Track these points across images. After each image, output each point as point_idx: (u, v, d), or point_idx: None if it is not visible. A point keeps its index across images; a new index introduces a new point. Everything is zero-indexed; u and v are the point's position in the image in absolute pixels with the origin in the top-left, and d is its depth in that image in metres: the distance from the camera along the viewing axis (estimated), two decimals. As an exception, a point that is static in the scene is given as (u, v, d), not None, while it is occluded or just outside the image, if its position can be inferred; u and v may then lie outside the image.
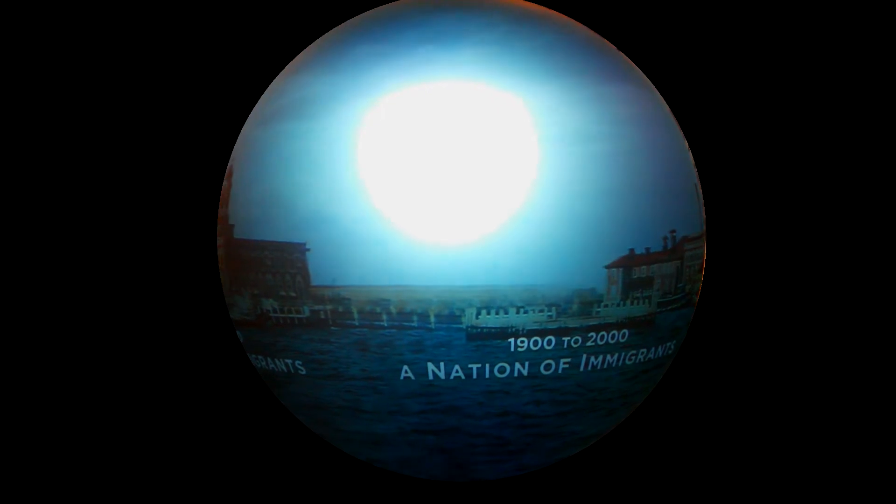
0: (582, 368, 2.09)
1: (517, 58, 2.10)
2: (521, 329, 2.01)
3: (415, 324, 2.01)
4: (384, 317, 2.03)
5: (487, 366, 2.03)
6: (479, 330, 2.00)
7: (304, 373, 2.17)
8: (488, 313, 2.00)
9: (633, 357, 2.15)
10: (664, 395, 2.49)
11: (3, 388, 2.72)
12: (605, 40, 2.36)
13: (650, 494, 2.57)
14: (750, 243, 2.72)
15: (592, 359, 2.08)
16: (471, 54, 2.08)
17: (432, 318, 2.01)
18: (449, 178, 1.99)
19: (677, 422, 2.71)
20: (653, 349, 2.20)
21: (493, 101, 2.04)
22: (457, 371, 2.03)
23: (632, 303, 2.10)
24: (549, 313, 2.02)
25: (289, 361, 2.18)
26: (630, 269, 2.09)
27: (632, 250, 2.08)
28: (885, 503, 2.48)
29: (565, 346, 2.05)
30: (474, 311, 2.00)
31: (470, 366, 2.03)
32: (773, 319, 2.75)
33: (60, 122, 2.82)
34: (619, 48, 2.35)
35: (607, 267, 2.05)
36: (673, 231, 2.17)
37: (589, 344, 2.07)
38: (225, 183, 2.36)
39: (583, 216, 2.02)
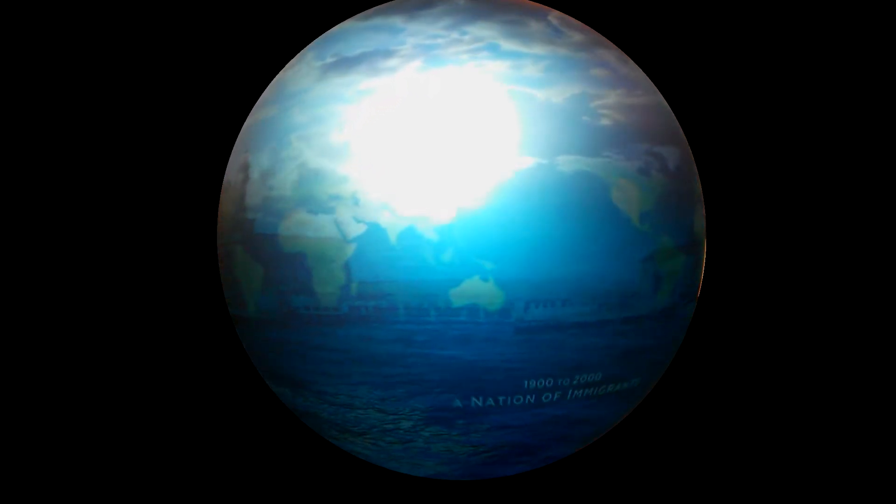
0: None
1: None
2: (565, 322, 2.05)
3: (463, 318, 2.01)
4: (432, 312, 2.01)
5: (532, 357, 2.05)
6: (526, 324, 2.02)
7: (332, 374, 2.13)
8: (536, 307, 2.02)
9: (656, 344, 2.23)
10: (664, 394, 2.51)
11: (3, 388, 2.64)
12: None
13: (651, 494, 2.59)
14: (749, 243, 2.78)
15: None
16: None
17: (482, 313, 2.01)
18: (495, 175, 2.00)
19: (677, 421, 2.72)
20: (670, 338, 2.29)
21: (537, 99, 2.07)
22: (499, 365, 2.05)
23: (660, 296, 2.18)
24: (592, 306, 2.07)
25: (318, 363, 2.14)
26: (662, 262, 2.16)
27: (663, 244, 2.15)
28: (885, 503, 2.50)
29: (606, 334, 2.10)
30: (523, 305, 2.02)
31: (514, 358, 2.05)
32: (771, 318, 2.79)
33: (59, 120, 2.71)
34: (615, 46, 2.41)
35: (643, 261, 2.12)
36: (692, 224, 2.26)
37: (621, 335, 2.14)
38: (238, 175, 2.27)
39: (623, 212, 2.08)
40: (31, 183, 2.65)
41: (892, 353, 2.66)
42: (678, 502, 2.57)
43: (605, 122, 2.10)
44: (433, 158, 2.01)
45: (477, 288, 1.99)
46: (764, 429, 2.70)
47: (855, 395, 2.68)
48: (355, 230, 2.03)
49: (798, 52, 2.66)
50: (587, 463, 2.53)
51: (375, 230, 2.01)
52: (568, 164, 2.03)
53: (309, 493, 2.60)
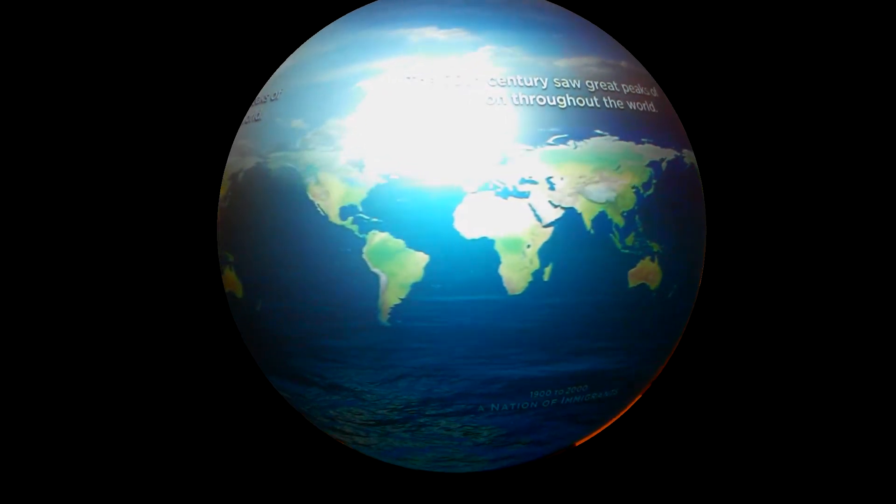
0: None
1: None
2: (684, 296, 2.30)
3: (636, 297, 2.13)
4: (612, 293, 2.09)
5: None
6: (671, 301, 2.23)
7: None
8: (679, 286, 2.24)
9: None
10: (663, 392, 2.56)
11: (3, 388, 2.64)
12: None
13: (650, 492, 2.66)
14: (748, 240, 2.88)
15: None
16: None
17: (646, 291, 2.15)
18: (659, 163, 2.17)
19: (676, 420, 2.80)
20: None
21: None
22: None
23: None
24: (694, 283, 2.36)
25: None
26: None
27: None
28: (885, 503, 2.53)
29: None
30: (674, 284, 2.21)
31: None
32: (769, 316, 2.86)
33: (59, 117, 2.64)
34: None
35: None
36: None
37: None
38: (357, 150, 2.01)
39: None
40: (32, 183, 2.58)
41: (891, 351, 2.75)
42: (678, 502, 2.66)
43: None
44: (615, 146, 2.09)
45: (648, 268, 2.13)
46: (763, 428, 2.79)
47: (854, 394, 2.77)
48: (552, 215, 2.00)
49: (793, 48, 2.77)
50: (585, 461, 2.61)
51: (572, 215, 2.02)
52: (688, 155, 2.28)
53: (312, 492, 2.53)
